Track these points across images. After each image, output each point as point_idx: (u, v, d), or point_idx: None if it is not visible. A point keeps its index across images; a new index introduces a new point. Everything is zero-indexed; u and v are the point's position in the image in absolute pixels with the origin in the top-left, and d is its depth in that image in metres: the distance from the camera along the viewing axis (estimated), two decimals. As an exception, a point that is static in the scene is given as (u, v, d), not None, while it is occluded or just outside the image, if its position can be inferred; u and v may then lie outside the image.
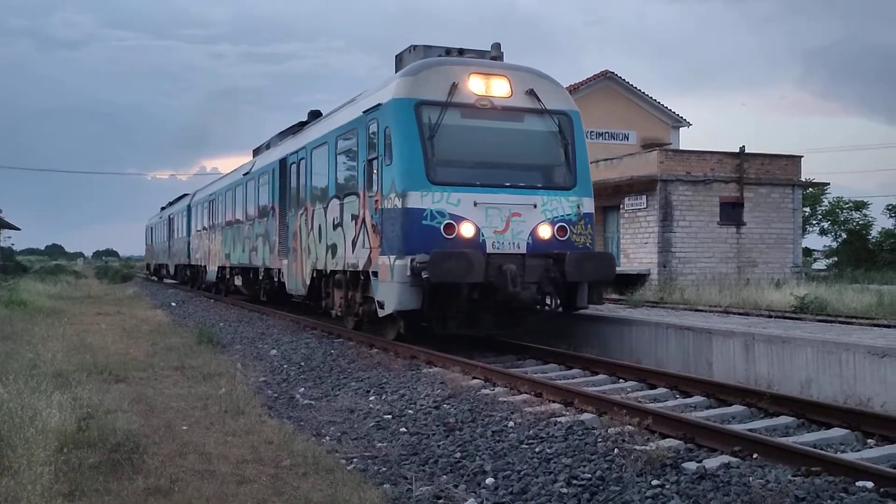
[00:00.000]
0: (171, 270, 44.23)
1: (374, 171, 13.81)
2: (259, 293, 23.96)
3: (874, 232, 56.04)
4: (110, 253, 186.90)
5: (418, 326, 14.02)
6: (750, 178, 30.45)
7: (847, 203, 57.79)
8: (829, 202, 59.01)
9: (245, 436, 7.96)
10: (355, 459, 7.37)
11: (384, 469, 7.07)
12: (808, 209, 54.38)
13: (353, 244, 14.65)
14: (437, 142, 12.97)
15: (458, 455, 7.31)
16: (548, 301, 13.56)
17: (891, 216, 55.94)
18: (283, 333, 17.45)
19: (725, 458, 6.59)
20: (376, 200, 13.53)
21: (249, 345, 16.04)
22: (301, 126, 20.62)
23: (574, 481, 6.25)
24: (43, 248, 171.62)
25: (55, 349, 13.14)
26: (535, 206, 13.29)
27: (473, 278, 12.25)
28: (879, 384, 9.84)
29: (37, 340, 14.72)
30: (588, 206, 13.75)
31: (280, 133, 22.83)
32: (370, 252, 13.81)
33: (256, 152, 26.12)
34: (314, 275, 17.21)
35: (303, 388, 11.34)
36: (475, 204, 12.94)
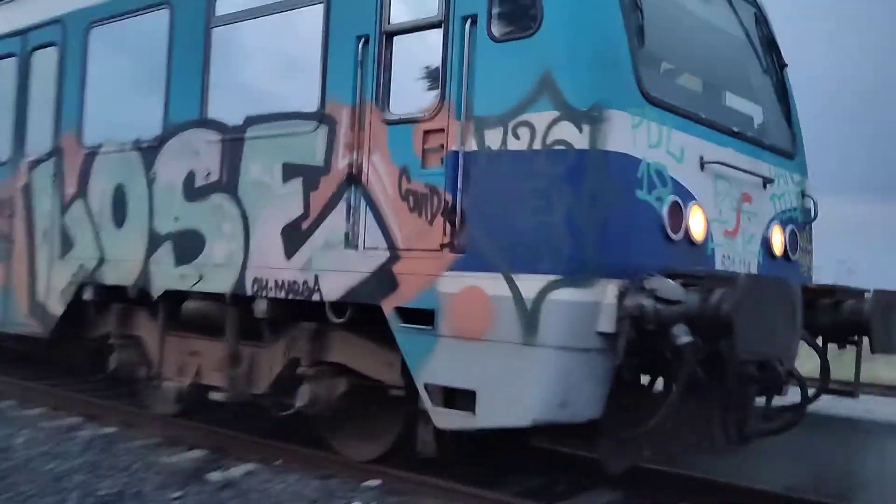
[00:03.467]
0: None
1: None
2: None
3: None
4: None
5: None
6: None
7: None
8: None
9: None
10: None
11: None
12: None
13: (298, 235, 6.10)
14: (647, 15, 5.26)
15: (-51, 479, 6.13)
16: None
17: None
18: None
19: (251, 466, 6.36)
20: (441, 130, 5.37)
21: None
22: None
23: (88, 499, 5.74)
24: None
25: None
26: (766, 187, 6.19)
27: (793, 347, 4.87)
28: None
29: None
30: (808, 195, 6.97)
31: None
32: (388, 259, 5.54)
33: None
34: (77, 295, 7.86)
35: None
36: (702, 165, 5.47)
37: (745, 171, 5.88)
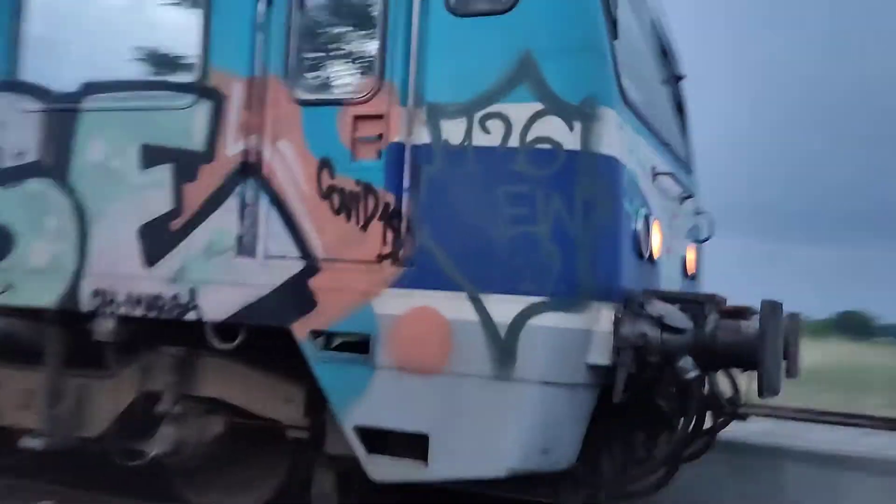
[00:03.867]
0: None
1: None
2: None
3: None
4: None
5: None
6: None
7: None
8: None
9: None
10: None
11: None
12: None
13: (164, 237, 4.81)
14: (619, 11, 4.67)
15: None
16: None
17: None
18: None
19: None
20: (379, 116, 4.40)
21: None
22: None
23: None
24: None
25: None
26: (682, 203, 5.89)
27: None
28: None
29: None
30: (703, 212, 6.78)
31: None
32: (302, 271, 4.48)
33: None
34: None
35: None
36: (654, 175, 5.03)
37: (678, 184, 5.51)
